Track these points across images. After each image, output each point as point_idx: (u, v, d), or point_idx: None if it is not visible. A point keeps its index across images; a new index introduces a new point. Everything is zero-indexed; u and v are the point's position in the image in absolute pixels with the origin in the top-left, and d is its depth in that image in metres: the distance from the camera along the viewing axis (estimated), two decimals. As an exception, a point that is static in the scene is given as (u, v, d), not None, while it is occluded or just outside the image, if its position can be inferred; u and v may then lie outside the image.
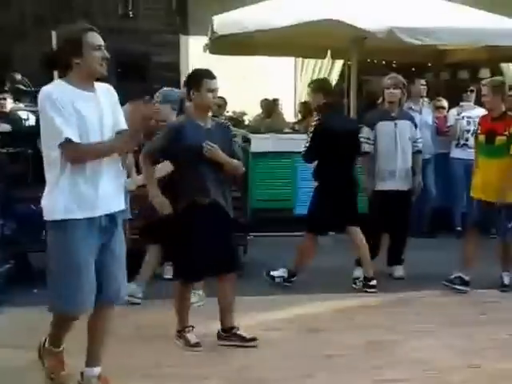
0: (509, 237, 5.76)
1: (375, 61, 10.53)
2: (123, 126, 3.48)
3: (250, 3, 8.28)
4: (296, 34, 8.13)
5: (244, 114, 10.32)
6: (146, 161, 4.32)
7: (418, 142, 6.23)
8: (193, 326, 4.39)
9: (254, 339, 4.34)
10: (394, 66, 10.33)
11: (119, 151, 3.48)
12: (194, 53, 10.08)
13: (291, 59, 10.88)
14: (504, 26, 8.17)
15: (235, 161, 4.33)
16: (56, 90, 3.29)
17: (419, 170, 6.28)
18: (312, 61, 11.20)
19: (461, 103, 8.33)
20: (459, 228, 8.13)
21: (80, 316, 3.49)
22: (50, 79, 3.62)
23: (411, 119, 6.26)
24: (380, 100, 6.33)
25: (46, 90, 3.30)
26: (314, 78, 11.37)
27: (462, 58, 10.11)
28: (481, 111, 8.21)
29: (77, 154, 3.28)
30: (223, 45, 8.80)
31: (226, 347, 4.34)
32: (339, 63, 11.19)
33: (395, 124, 6.03)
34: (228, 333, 4.39)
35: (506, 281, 5.83)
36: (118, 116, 3.50)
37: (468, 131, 8.10)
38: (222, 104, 8.86)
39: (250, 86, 10.88)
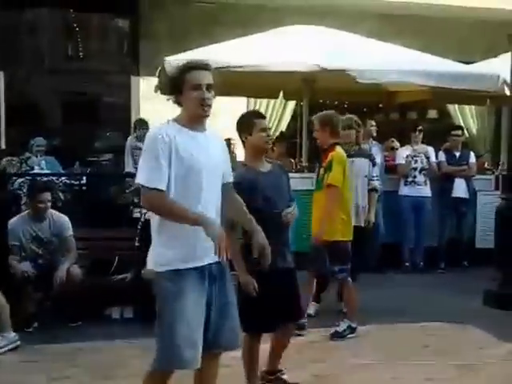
0: (341, 278, 5.50)
1: (327, 101, 10.70)
2: (230, 178, 3.38)
3: (201, 45, 8.37)
4: (248, 74, 8.26)
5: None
6: (230, 233, 3.61)
7: (374, 179, 6.27)
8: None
9: None
10: (345, 106, 10.51)
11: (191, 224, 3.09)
12: (145, 94, 10.11)
13: (243, 99, 10.97)
14: (450, 69, 8.44)
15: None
16: (163, 131, 3.11)
17: (373, 207, 6.28)
18: (264, 101, 11.32)
19: (412, 143, 8.54)
20: (407, 264, 8.32)
21: None
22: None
23: (369, 157, 6.33)
24: None
25: (152, 131, 3.18)
26: (267, 117, 11.52)
27: (410, 99, 10.37)
28: (428, 149, 8.48)
29: (157, 206, 3.09)
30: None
31: None
32: (292, 103, 11.35)
33: (352, 161, 6.06)
34: (272, 375, 4.32)
35: (342, 328, 5.52)
36: (228, 167, 3.38)
37: (415, 169, 8.32)
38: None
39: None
